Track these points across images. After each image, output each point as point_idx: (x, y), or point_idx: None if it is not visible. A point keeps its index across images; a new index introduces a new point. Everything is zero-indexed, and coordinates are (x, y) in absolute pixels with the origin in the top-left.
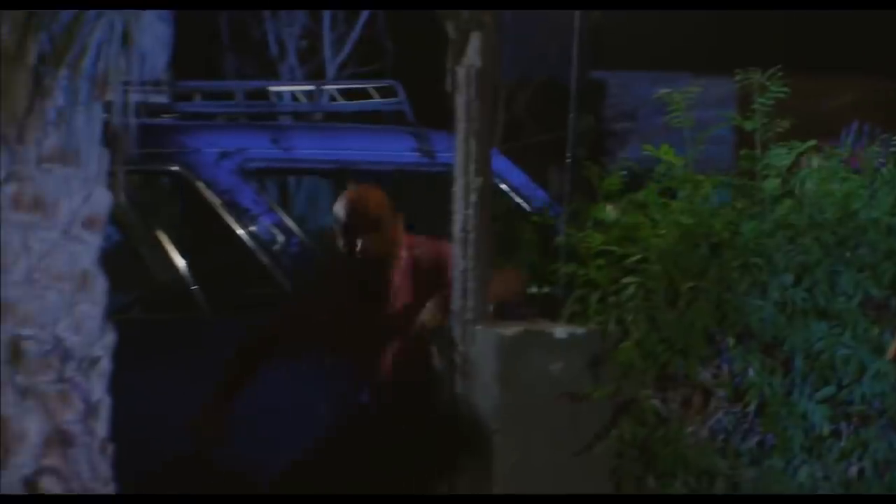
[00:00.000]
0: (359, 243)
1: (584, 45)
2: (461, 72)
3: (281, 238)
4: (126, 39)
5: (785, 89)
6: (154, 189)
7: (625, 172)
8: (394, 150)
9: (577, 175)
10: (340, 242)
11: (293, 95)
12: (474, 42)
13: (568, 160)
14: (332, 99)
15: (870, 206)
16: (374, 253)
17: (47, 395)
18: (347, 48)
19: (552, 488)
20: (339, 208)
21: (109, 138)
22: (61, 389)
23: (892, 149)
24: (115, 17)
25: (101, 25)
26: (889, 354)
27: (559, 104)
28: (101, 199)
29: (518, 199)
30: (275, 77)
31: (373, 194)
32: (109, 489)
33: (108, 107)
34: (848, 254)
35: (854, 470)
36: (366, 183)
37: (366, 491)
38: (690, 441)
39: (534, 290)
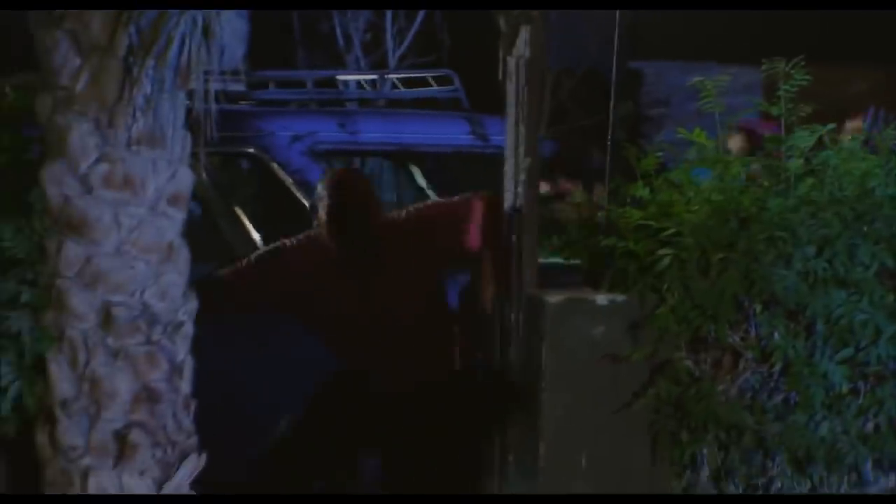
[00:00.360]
0: (348, 220)
1: (623, 38)
2: (511, 62)
3: None
4: (207, 33)
5: (807, 77)
6: (232, 169)
7: (660, 154)
8: (450, 133)
9: (616, 156)
10: (326, 220)
11: (358, 84)
12: (523, 35)
13: (608, 143)
14: (394, 87)
15: (885, 184)
16: (362, 230)
17: (136, 357)
18: (407, 41)
19: (593, 442)
20: (330, 186)
21: (192, 123)
22: (149, 351)
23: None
24: (197, 13)
25: (184, 20)
26: None
27: (600, 91)
28: (185, 178)
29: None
30: (342, 67)
31: (359, 174)
32: (192, 442)
33: (190, 94)
34: (865, 227)
35: (870, 426)
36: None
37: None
38: (720, 398)
39: (578, 261)
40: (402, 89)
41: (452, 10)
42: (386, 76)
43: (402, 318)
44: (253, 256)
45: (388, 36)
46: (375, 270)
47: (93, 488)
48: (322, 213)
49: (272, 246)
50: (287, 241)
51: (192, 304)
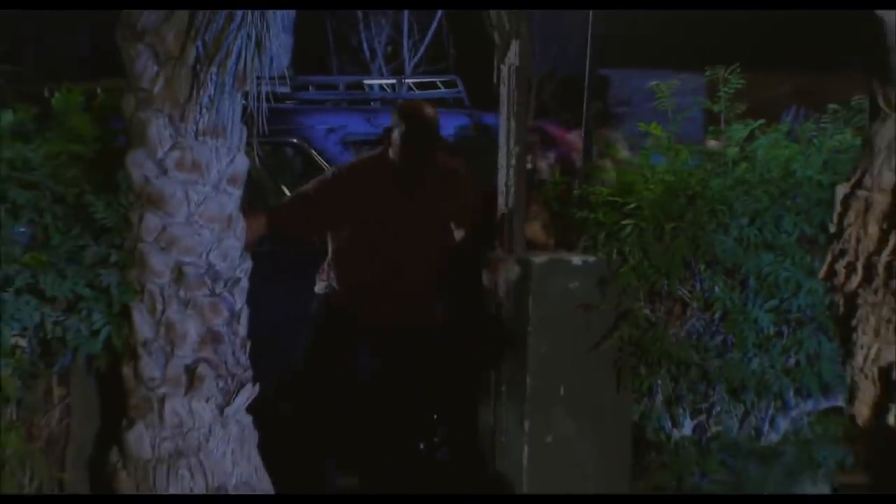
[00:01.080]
0: (416, 146)
1: (594, 49)
2: (504, 69)
3: None
4: (259, 46)
5: (742, 81)
6: (279, 156)
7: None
8: (455, 126)
9: (589, 146)
10: (398, 143)
11: (381, 87)
12: (514, 47)
13: (583, 135)
14: (409, 89)
15: (804, 167)
16: (425, 158)
17: (202, 306)
18: (420, 52)
19: (570, 375)
20: (407, 116)
21: (247, 118)
22: (212, 301)
23: (821, 125)
24: (251, 28)
25: (240, 36)
26: (820, 275)
27: (576, 93)
28: (241, 163)
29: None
30: (367, 73)
31: (433, 109)
32: (248, 375)
33: (245, 95)
34: (788, 202)
35: (792, 361)
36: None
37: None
38: (672, 339)
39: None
40: (416, 91)
41: (451, 8)
42: (403, 80)
43: (431, 246)
44: (329, 171)
45: (405, 48)
46: (423, 195)
47: (168, 412)
48: (396, 137)
49: (349, 162)
50: (360, 159)
51: (247, 264)
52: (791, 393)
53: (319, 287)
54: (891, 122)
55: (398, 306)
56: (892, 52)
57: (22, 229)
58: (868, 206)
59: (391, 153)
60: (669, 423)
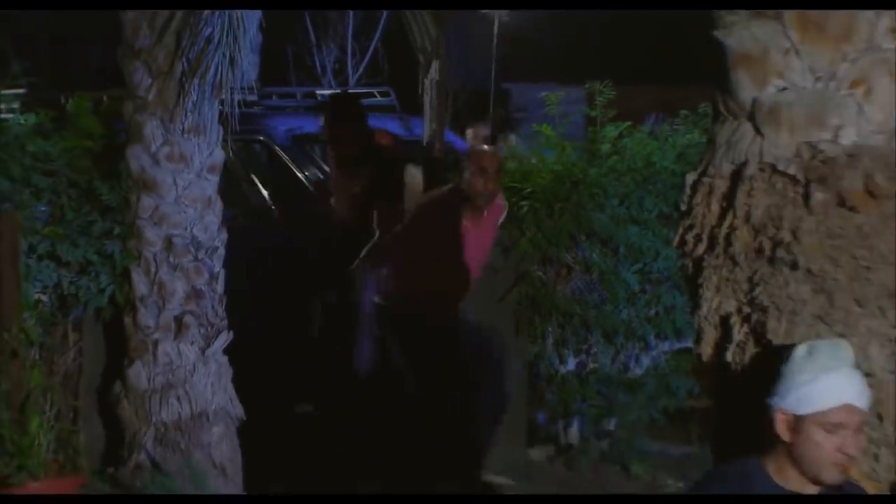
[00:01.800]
0: (481, 193)
1: (497, 67)
2: (427, 83)
3: (321, 176)
4: (232, 63)
5: (613, 92)
6: (248, 150)
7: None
8: (388, 127)
9: (496, 142)
10: (477, 184)
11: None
12: (434, 66)
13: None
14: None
15: (662, 159)
16: (486, 201)
17: (187, 269)
18: (361, 69)
19: (484, 320)
20: (478, 167)
21: (222, 120)
22: (196, 265)
23: (675, 127)
24: (226, 48)
25: (218, 54)
26: (674, 244)
27: (483, 101)
28: (218, 155)
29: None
30: (319, 85)
31: (499, 161)
32: (224, 324)
33: (221, 102)
34: (650, 187)
35: (653, 312)
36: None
37: None
38: (559, 296)
39: None
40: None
41: (385, 7)
42: (347, 91)
43: (475, 263)
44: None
45: (349, 66)
46: (483, 224)
47: (160, 353)
48: (466, 181)
49: (431, 194)
50: (441, 193)
51: (224, 236)
52: (652, 336)
53: (380, 298)
54: (728, 124)
55: (450, 310)
56: (730, 70)
57: (43, 208)
58: (711, 190)
59: (464, 188)
60: (557, 361)
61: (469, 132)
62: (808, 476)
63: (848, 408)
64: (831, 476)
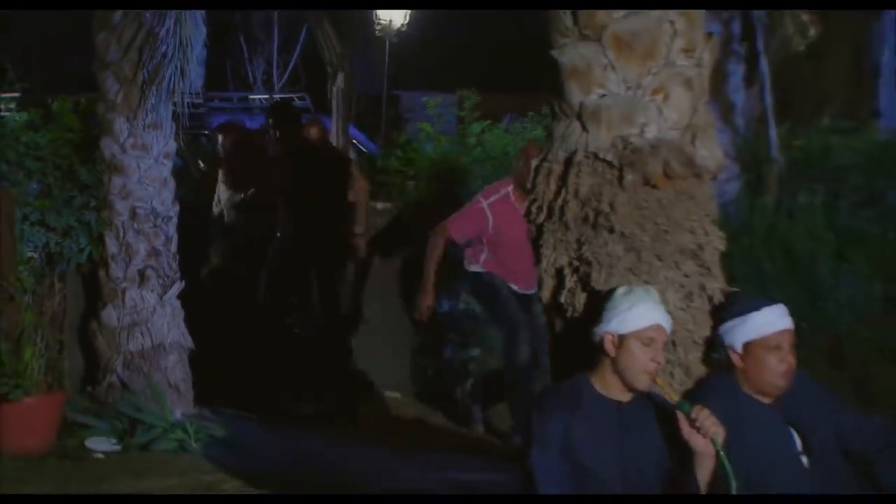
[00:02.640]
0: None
1: (390, 77)
2: (334, 90)
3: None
4: (182, 74)
5: (479, 98)
6: (196, 142)
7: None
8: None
9: (388, 136)
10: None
11: (259, 100)
12: (340, 76)
13: (382, 130)
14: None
15: (515, 149)
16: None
17: (148, 233)
18: (284, 79)
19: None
20: (530, 149)
21: (175, 118)
22: (154, 230)
23: (524, 125)
24: (178, 62)
25: (171, 67)
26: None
27: (378, 105)
28: (172, 146)
29: (362, 148)
30: (251, 91)
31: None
32: (178, 276)
33: (174, 104)
34: (505, 170)
35: None
36: None
37: None
38: None
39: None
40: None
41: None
42: (273, 96)
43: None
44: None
45: (275, 76)
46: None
47: (128, 298)
48: (520, 172)
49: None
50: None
51: (176, 208)
52: None
53: (473, 266)
54: (562, 122)
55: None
56: (563, 80)
57: (34, 185)
58: (549, 172)
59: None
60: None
61: None
62: (625, 384)
63: (657, 326)
64: (643, 383)
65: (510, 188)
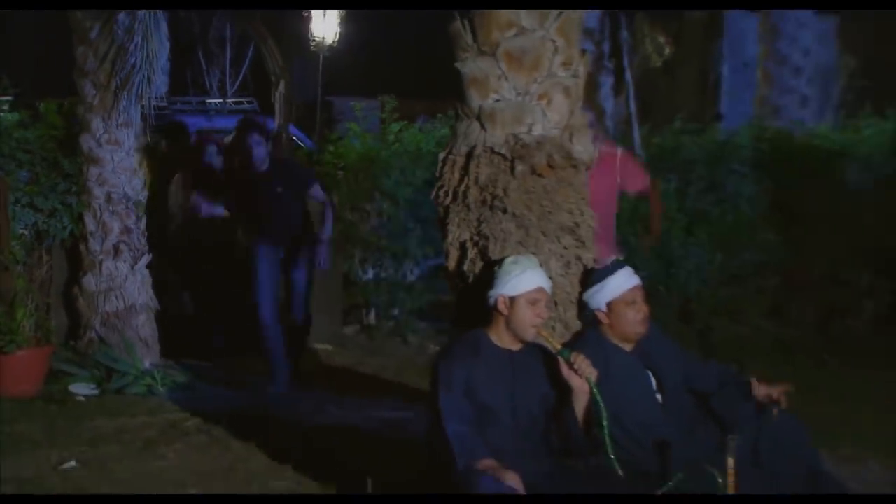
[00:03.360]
0: None
1: (322, 86)
2: (277, 95)
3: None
4: (149, 81)
5: (396, 102)
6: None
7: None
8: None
9: (321, 135)
10: None
11: (214, 103)
12: (282, 84)
13: (317, 129)
14: (230, 105)
15: (427, 145)
16: None
17: (120, 213)
18: (236, 86)
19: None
20: None
21: (143, 118)
22: (126, 210)
23: (435, 125)
24: (145, 71)
25: (139, 75)
26: (432, 197)
27: (313, 109)
28: (140, 141)
29: (301, 144)
30: (207, 95)
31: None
32: (146, 249)
33: (143, 106)
34: (419, 162)
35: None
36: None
37: None
38: (362, 231)
39: None
40: (233, 105)
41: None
42: (226, 100)
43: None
44: None
45: (228, 84)
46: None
47: (104, 268)
48: None
49: None
50: None
51: (145, 192)
52: (420, 256)
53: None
54: (465, 122)
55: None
56: (465, 88)
57: (24, 174)
58: (454, 163)
59: None
60: (361, 272)
61: None
62: (516, 336)
63: (540, 289)
64: (530, 335)
65: None
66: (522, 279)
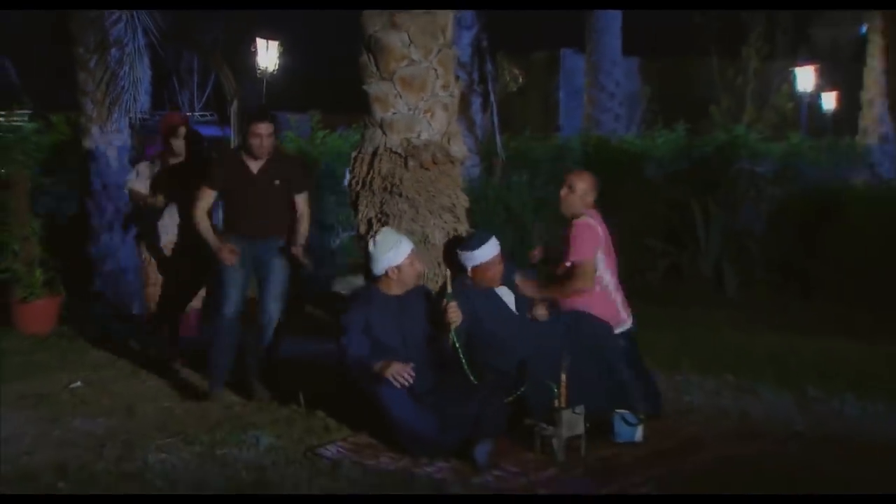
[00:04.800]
0: None
1: (267, 102)
2: (232, 111)
3: None
4: (135, 99)
5: (320, 115)
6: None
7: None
8: (213, 131)
9: None
10: None
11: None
12: (235, 102)
13: None
14: (196, 117)
15: (344, 147)
16: None
17: (113, 198)
18: (201, 103)
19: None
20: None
21: (131, 126)
22: (117, 195)
23: (351, 133)
24: (132, 91)
25: (126, 94)
26: (346, 184)
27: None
28: (129, 141)
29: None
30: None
31: None
32: (133, 224)
33: (130, 118)
34: (340, 161)
35: (342, 217)
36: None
37: None
38: None
39: None
40: (199, 118)
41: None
42: (195, 113)
43: None
44: None
45: (196, 101)
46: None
47: (102, 239)
48: None
49: None
50: None
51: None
52: (340, 228)
53: None
54: (371, 129)
55: None
56: (371, 104)
57: (39, 169)
58: (363, 160)
59: None
60: None
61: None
62: (402, 287)
63: (412, 251)
64: (413, 284)
65: None
66: (399, 251)
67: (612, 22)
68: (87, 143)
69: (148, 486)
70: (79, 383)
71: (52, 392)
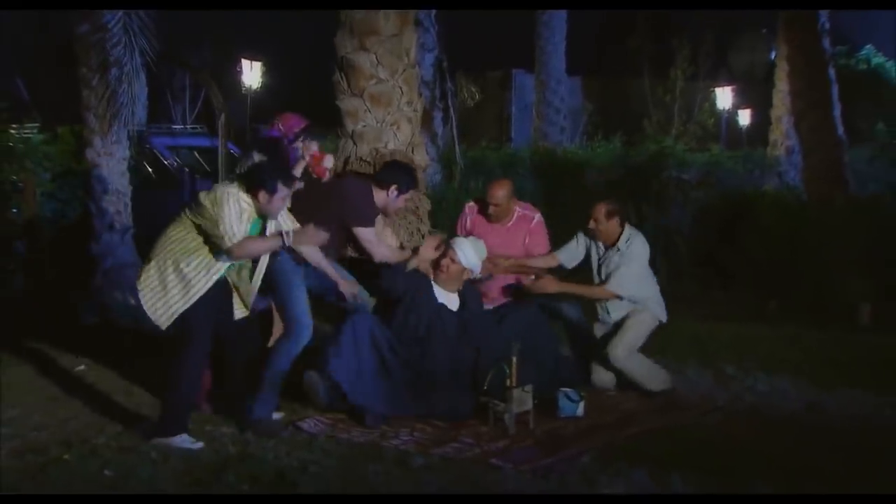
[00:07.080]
0: None
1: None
2: (220, 123)
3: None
4: (133, 113)
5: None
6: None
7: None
8: (204, 142)
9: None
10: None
11: (179, 129)
12: (223, 115)
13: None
14: (189, 130)
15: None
16: None
17: (115, 201)
18: (192, 117)
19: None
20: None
21: (130, 137)
22: (117, 199)
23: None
24: (130, 106)
25: (125, 110)
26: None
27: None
28: (127, 153)
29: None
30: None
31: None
32: (131, 226)
33: (129, 130)
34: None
35: None
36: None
37: None
38: None
39: None
40: (191, 130)
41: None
42: (186, 126)
43: None
44: None
45: (188, 114)
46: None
47: (103, 237)
48: None
49: None
50: None
51: (130, 188)
52: None
53: None
54: (344, 140)
55: None
56: (343, 117)
57: (47, 175)
58: (336, 167)
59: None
60: None
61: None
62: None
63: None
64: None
65: None
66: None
67: (558, 45)
68: (90, 153)
69: (144, 458)
70: (83, 367)
71: (57, 375)
